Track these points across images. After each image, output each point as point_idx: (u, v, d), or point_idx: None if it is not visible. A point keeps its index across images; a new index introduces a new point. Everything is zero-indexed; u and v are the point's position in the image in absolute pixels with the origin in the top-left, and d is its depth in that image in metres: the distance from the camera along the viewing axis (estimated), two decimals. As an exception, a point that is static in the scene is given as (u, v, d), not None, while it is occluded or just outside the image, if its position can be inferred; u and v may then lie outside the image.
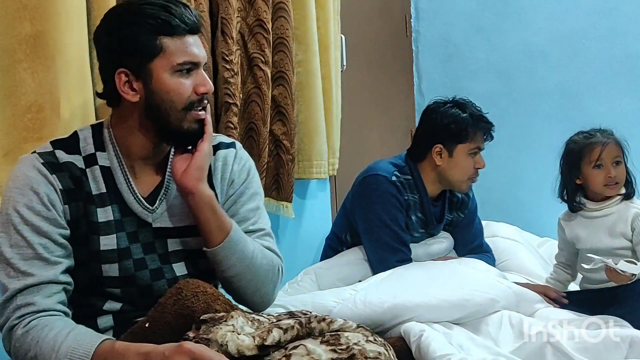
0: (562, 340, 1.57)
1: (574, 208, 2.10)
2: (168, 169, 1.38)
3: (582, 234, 2.08)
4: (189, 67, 1.31)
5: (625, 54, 3.10)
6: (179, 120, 1.31)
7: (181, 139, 1.35)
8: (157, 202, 1.36)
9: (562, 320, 1.78)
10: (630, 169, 2.07)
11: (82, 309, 1.31)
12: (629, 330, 1.65)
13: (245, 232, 1.43)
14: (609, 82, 3.14)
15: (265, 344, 1.17)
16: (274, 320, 1.27)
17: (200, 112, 1.33)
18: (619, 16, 3.10)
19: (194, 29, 1.33)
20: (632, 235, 2.01)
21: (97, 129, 1.35)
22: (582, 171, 2.06)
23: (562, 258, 2.20)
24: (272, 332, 1.18)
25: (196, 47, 1.32)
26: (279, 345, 1.20)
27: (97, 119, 1.47)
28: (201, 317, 1.21)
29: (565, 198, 2.12)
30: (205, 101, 1.35)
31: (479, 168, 2.17)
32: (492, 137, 2.20)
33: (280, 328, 1.19)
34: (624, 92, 3.12)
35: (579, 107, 3.19)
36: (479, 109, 2.19)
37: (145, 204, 1.35)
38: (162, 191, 1.37)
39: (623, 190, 2.05)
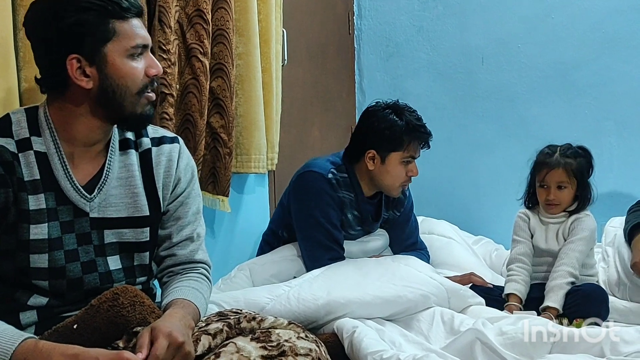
0: (490, 336, 1.60)
1: (531, 208, 2.25)
2: (108, 157, 1.35)
3: (539, 231, 2.20)
4: (141, 51, 1.30)
5: (558, 60, 3.20)
6: (133, 104, 1.30)
7: (135, 122, 1.34)
8: (96, 191, 1.32)
9: (491, 317, 1.82)
10: (591, 184, 2.18)
11: (4, 303, 1.26)
12: (554, 326, 1.70)
13: (187, 238, 1.44)
14: (542, 85, 3.23)
15: (197, 354, 1.16)
16: (203, 325, 1.25)
17: (151, 94, 1.33)
18: (553, 24, 3.20)
19: (140, 12, 1.32)
20: (567, 234, 2.12)
21: (32, 113, 1.30)
22: (535, 184, 2.22)
23: (522, 250, 2.20)
24: (200, 340, 1.17)
25: (143, 29, 1.32)
26: (210, 351, 1.18)
27: (21, 104, 1.41)
28: (135, 329, 1.18)
29: (526, 202, 2.26)
30: (155, 83, 1.35)
31: (412, 176, 2.17)
32: (428, 146, 2.19)
33: (209, 334, 1.18)
34: (556, 96, 3.22)
35: (514, 108, 3.27)
36: (417, 116, 2.17)
37: (83, 192, 1.31)
38: (102, 180, 1.33)
39: (572, 207, 2.17)
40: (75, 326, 1.17)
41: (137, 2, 1.30)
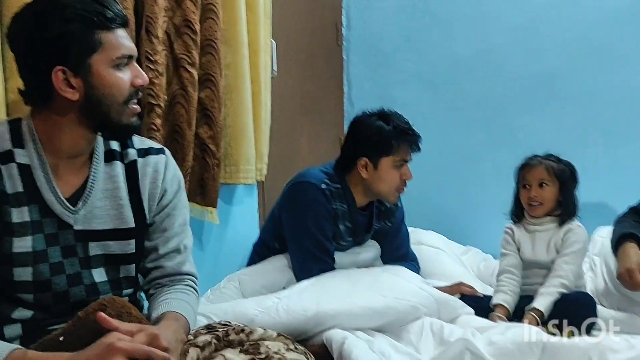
0: (480, 346, 1.60)
1: (519, 218, 2.25)
2: (92, 169, 1.34)
3: (525, 243, 2.21)
4: (127, 61, 1.29)
5: (544, 70, 3.23)
6: (119, 114, 1.29)
7: (121, 133, 1.34)
8: (80, 203, 1.31)
9: (480, 326, 1.82)
10: (576, 196, 2.20)
11: None
12: (542, 336, 1.70)
13: (174, 250, 1.43)
14: (529, 95, 3.26)
15: None
16: (191, 338, 1.24)
17: (136, 106, 1.32)
18: (538, 34, 3.23)
19: (125, 22, 1.31)
20: (560, 245, 2.12)
21: (14, 125, 1.28)
22: (519, 190, 2.23)
23: (511, 262, 2.21)
24: (189, 352, 1.16)
25: (128, 39, 1.31)
26: None
27: (8, 115, 1.40)
28: None
29: (513, 214, 2.27)
30: (140, 94, 1.34)
31: (406, 179, 2.18)
32: (418, 149, 2.21)
33: (197, 346, 1.17)
34: (543, 105, 3.24)
35: (501, 118, 3.29)
36: (404, 120, 2.19)
37: (67, 204, 1.30)
38: (86, 192, 1.32)
39: (557, 212, 2.18)
40: (61, 338, 1.16)
41: (122, 12, 1.30)
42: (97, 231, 1.33)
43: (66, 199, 1.30)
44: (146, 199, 1.39)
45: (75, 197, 1.32)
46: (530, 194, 2.18)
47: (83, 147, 1.32)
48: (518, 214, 2.26)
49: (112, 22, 1.27)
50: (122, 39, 1.29)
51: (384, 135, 2.13)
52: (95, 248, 1.33)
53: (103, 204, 1.34)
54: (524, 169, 2.22)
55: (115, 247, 1.35)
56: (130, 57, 1.30)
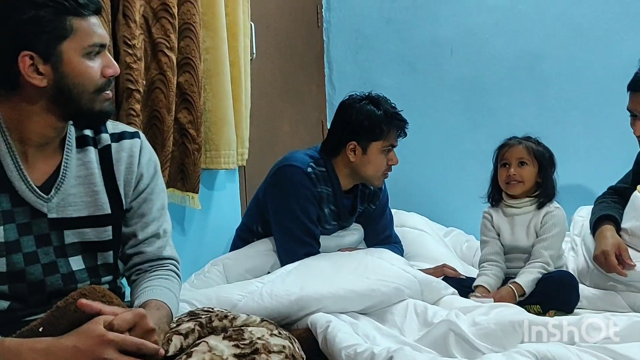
0: (464, 327, 1.61)
1: (496, 201, 2.25)
2: (64, 155, 1.31)
3: (504, 228, 2.22)
4: (98, 50, 1.26)
5: (525, 51, 3.23)
6: (91, 102, 1.27)
7: (93, 120, 1.31)
8: (53, 190, 1.29)
9: (464, 307, 1.83)
10: (554, 179, 2.20)
11: None
12: (525, 315, 1.72)
13: (154, 235, 1.41)
14: (510, 76, 3.26)
15: (168, 355, 1.14)
16: (174, 326, 1.23)
17: (108, 92, 1.30)
18: (520, 15, 3.23)
19: (99, 9, 1.28)
20: (539, 229, 2.13)
21: None
22: (497, 171, 2.23)
23: (492, 249, 2.21)
24: (172, 340, 1.15)
25: (100, 27, 1.28)
26: (182, 351, 1.16)
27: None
28: None
29: (490, 196, 2.26)
30: (112, 83, 1.32)
31: (392, 164, 2.20)
32: (405, 134, 2.22)
33: (180, 334, 1.16)
34: (524, 86, 3.25)
35: (483, 100, 3.30)
36: (393, 105, 2.20)
37: (40, 192, 1.27)
38: (58, 179, 1.30)
39: (536, 193, 2.18)
40: (40, 329, 1.14)
41: None
42: (72, 219, 1.31)
43: (38, 187, 1.28)
44: (122, 185, 1.37)
45: (48, 185, 1.29)
46: (509, 171, 2.18)
47: (52, 134, 1.29)
48: (495, 196, 2.26)
49: (84, 9, 1.24)
50: (95, 27, 1.26)
51: (374, 120, 2.14)
52: (70, 236, 1.31)
53: (77, 191, 1.31)
54: (504, 149, 2.22)
55: (91, 234, 1.33)
56: (102, 45, 1.28)
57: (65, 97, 1.24)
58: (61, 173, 1.30)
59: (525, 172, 2.18)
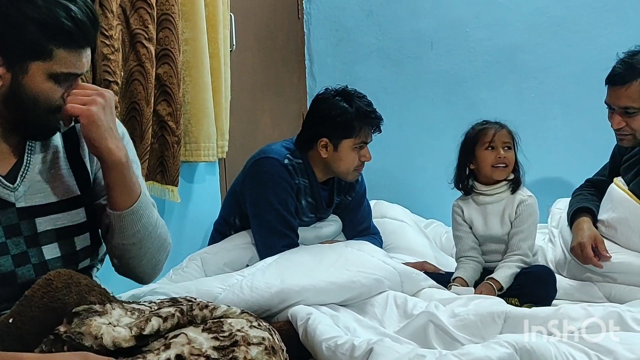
0: (443, 319, 1.62)
1: (467, 190, 2.21)
2: (28, 143, 1.29)
3: (477, 219, 2.19)
4: (69, 77, 1.25)
5: (505, 44, 3.25)
6: (39, 118, 1.25)
7: (38, 132, 1.29)
8: (19, 179, 1.27)
9: (444, 299, 1.84)
10: (520, 161, 2.18)
11: None
12: (504, 307, 1.73)
13: None
14: (490, 69, 3.28)
15: (144, 333, 1.12)
16: (155, 308, 1.21)
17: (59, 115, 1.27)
18: (500, 8, 3.25)
19: (93, 45, 1.27)
20: (514, 219, 2.13)
21: None
22: (476, 154, 2.17)
23: (466, 245, 2.19)
24: (150, 320, 1.13)
25: (84, 59, 1.25)
26: (159, 334, 1.15)
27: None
28: (73, 310, 1.13)
29: (459, 184, 2.21)
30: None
31: (365, 161, 2.19)
32: (380, 131, 2.20)
33: (160, 316, 1.14)
34: (504, 79, 3.27)
35: (463, 92, 3.31)
36: (367, 102, 2.17)
37: (5, 182, 1.25)
38: (23, 167, 1.28)
39: (511, 177, 2.15)
40: (11, 320, 1.12)
41: (93, 37, 1.25)
42: (41, 206, 1.29)
43: (3, 176, 1.26)
44: (87, 161, 1.36)
45: (13, 174, 1.27)
46: (499, 154, 2.13)
47: (6, 135, 1.27)
48: (465, 185, 2.21)
49: (74, 43, 1.22)
50: (77, 59, 1.24)
51: (346, 118, 2.12)
52: (43, 224, 1.29)
53: (44, 177, 1.30)
54: (488, 131, 2.15)
55: (64, 219, 1.31)
56: (77, 75, 1.26)
57: (15, 104, 1.23)
58: (25, 161, 1.29)
59: (510, 157, 2.15)
